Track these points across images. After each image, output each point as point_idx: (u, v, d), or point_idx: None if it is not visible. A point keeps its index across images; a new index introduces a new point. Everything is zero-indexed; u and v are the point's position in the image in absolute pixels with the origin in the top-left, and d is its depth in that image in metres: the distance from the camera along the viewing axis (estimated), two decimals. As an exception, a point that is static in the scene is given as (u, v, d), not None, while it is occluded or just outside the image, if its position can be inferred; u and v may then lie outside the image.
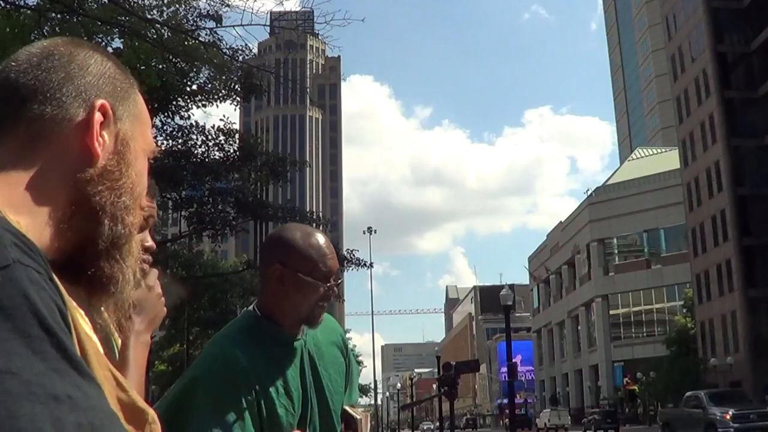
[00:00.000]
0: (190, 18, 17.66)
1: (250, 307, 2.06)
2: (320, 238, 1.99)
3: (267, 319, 1.98)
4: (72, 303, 0.78)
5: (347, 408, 2.11)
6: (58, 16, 13.96)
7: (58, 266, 0.83)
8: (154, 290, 1.51)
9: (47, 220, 0.83)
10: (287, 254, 1.93)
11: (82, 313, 0.80)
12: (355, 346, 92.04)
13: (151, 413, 0.87)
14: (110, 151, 0.88)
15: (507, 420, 78.64)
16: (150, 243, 1.58)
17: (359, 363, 2.43)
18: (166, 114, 21.31)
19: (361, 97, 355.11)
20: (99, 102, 0.87)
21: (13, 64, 0.87)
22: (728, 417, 23.21)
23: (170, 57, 15.84)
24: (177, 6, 17.72)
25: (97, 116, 0.87)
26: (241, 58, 17.44)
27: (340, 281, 2.01)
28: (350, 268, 25.66)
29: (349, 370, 2.15)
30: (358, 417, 2.06)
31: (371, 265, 27.47)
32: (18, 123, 0.85)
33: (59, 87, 0.86)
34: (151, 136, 0.97)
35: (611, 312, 73.86)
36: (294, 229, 2.00)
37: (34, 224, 0.81)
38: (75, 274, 0.87)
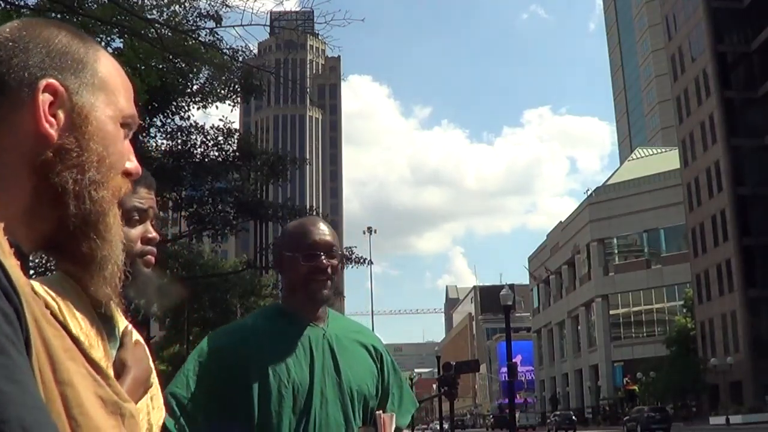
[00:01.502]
0: (190, 18, 17.68)
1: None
2: (308, 220, 2.22)
3: (282, 305, 2.19)
4: (37, 299, 0.77)
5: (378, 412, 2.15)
6: (58, 16, 13.96)
7: (47, 250, 0.87)
8: (139, 349, 1.40)
9: (15, 207, 0.82)
10: (280, 239, 2.19)
11: (62, 307, 0.81)
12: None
13: (130, 409, 0.86)
14: (66, 128, 0.85)
15: (491, 419, 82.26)
16: (153, 234, 1.56)
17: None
18: (166, 114, 21.32)
19: (360, 97, 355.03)
20: (43, 83, 0.84)
21: None
22: None
23: (170, 57, 15.82)
24: (177, 6, 17.74)
25: (44, 97, 0.84)
26: (241, 58, 17.45)
27: (334, 258, 2.13)
28: (350, 266, 25.63)
29: (387, 384, 2.22)
30: (380, 413, 2.09)
31: (371, 262, 27.45)
32: None
33: (7, 73, 0.84)
34: (124, 101, 0.93)
35: (611, 312, 73.86)
36: (294, 221, 2.25)
37: (7, 219, 0.79)
38: (63, 256, 0.87)
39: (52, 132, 0.84)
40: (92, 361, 0.83)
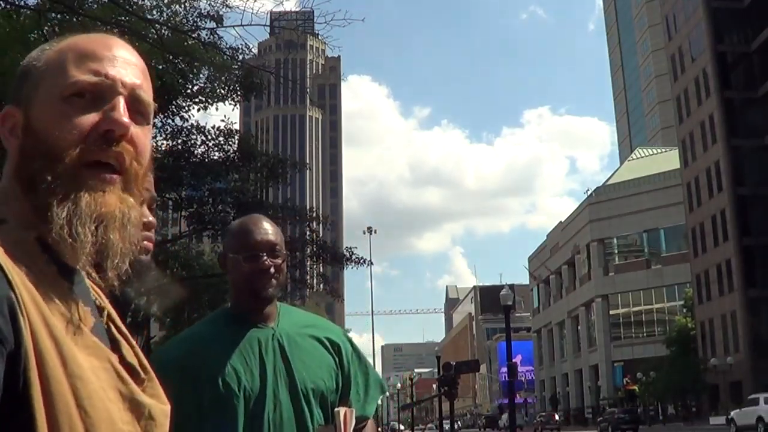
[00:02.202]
0: (190, 18, 17.66)
1: None
2: (250, 219, 2.14)
3: (229, 308, 2.17)
4: (40, 296, 0.84)
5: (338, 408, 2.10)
6: (58, 16, 13.96)
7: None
8: None
9: (26, 209, 0.92)
10: (227, 241, 2.15)
11: (76, 305, 0.87)
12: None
13: (150, 408, 0.91)
14: (23, 135, 0.94)
15: (483, 419, 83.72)
16: (151, 219, 1.55)
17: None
18: (166, 114, 21.31)
19: (360, 97, 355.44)
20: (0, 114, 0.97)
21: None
22: None
23: (170, 57, 15.82)
24: (177, 6, 17.73)
25: (2, 125, 0.96)
26: (241, 58, 17.44)
27: (278, 257, 2.10)
28: (350, 266, 25.60)
29: (349, 374, 2.16)
30: (339, 410, 2.03)
31: (371, 263, 27.41)
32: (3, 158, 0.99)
33: None
34: (64, 74, 0.94)
35: (611, 312, 73.87)
36: (237, 220, 2.20)
37: (43, 230, 0.90)
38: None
39: (14, 149, 0.95)
40: (126, 361, 0.92)
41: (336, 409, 2.05)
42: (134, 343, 0.98)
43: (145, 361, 0.97)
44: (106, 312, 0.98)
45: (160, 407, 0.93)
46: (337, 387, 2.12)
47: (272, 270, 2.06)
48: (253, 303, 2.07)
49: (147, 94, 0.98)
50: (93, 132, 0.92)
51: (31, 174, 0.92)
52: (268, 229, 2.10)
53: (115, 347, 0.94)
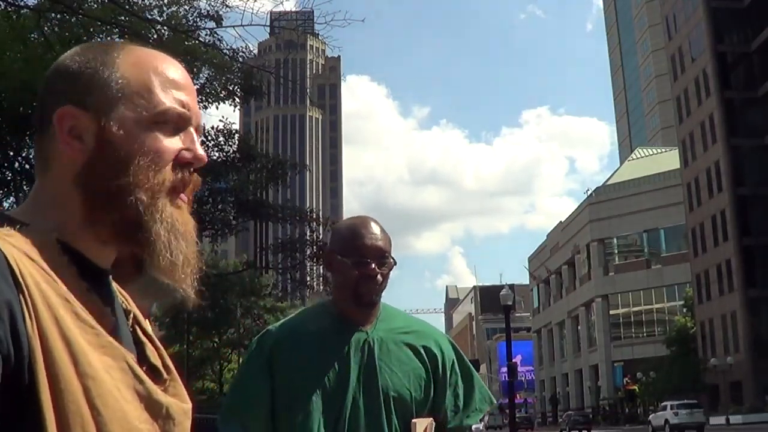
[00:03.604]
0: (190, 18, 17.66)
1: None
2: (360, 222, 2.12)
3: (331, 304, 2.15)
4: (60, 299, 0.85)
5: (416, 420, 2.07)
6: (58, 16, 13.96)
7: (120, 245, 0.97)
8: None
9: (77, 225, 0.94)
10: (331, 239, 2.18)
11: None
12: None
13: (169, 407, 0.93)
14: (93, 146, 0.94)
15: None
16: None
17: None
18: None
19: (358, 97, 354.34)
20: (58, 113, 0.94)
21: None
22: None
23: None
24: (177, 6, 17.72)
25: (64, 124, 0.94)
26: (241, 58, 17.43)
27: (386, 264, 2.08)
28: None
29: (444, 386, 2.12)
30: (416, 422, 2.01)
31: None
32: (37, 153, 0.99)
33: (45, 105, 0.97)
34: (155, 97, 0.97)
35: (611, 312, 73.86)
36: (345, 220, 2.22)
37: (71, 232, 0.93)
38: (135, 249, 0.97)
39: (77, 153, 0.94)
40: (147, 361, 0.95)
41: (413, 421, 2.01)
42: (159, 345, 1.00)
43: (170, 362, 0.99)
44: (132, 315, 1.01)
45: (181, 406, 0.95)
46: (427, 398, 2.08)
47: (379, 278, 2.05)
48: (353, 307, 2.07)
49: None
50: (177, 160, 0.97)
51: (106, 185, 0.93)
52: (378, 234, 2.08)
53: (139, 349, 0.96)
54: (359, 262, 2.03)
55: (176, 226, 0.96)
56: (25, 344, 0.80)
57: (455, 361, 2.17)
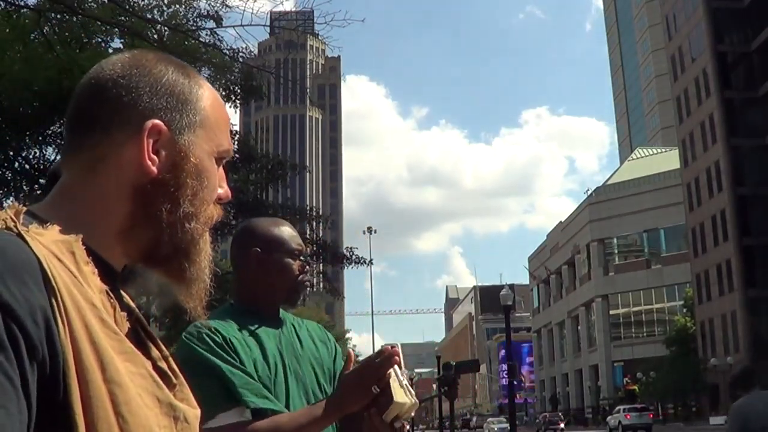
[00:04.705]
0: (190, 18, 17.65)
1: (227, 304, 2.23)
2: (280, 222, 2.25)
3: (244, 305, 2.16)
4: (91, 304, 0.85)
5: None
6: (58, 16, 13.96)
7: (143, 263, 1.00)
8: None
9: (110, 232, 0.94)
10: (263, 241, 2.14)
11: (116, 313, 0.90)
12: (355, 345, 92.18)
13: (185, 413, 0.92)
14: (166, 165, 0.95)
15: (460, 421, 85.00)
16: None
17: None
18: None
19: (357, 98, 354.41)
20: (149, 124, 0.94)
21: (79, 93, 0.97)
22: None
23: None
24: (177, 6, 17.72)
25: (149, 137, 0.94)
26: (241, 58, 17.42)
27: (307, 264, 2.22)
28: (350, 266, 25.56)
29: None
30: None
31: (371, 262, 27.37)
32: (81, 149, 0.95)
33: (116, 111, 0.95)
34: (222, 135, 1.02)
35: (611, 312, 73.91)
36: (263, 220, 2.27)
37: (98, 236, 0.92)
38: (157, 269, 1.00)
39: (153, 168, 0.94)
40: (157, 366, 0.94)
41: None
42: (163, 347, 1.00)
43: (175, 366, 0.98)
44: (134, 316, 1.00)
45: (192, 411, 0.95)
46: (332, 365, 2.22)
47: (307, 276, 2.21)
48: (283, 302, 2.18)
49: None
50: (218, 196, 1.03)
51: (170, 208, 0.95)
52: (298, 235, 2.22)
53: (144, 352, 0.94)
54: (299, 260, 2.16)
55: (209, 258, 1.01)
56: (59, 350, 0.79)
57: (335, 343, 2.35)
